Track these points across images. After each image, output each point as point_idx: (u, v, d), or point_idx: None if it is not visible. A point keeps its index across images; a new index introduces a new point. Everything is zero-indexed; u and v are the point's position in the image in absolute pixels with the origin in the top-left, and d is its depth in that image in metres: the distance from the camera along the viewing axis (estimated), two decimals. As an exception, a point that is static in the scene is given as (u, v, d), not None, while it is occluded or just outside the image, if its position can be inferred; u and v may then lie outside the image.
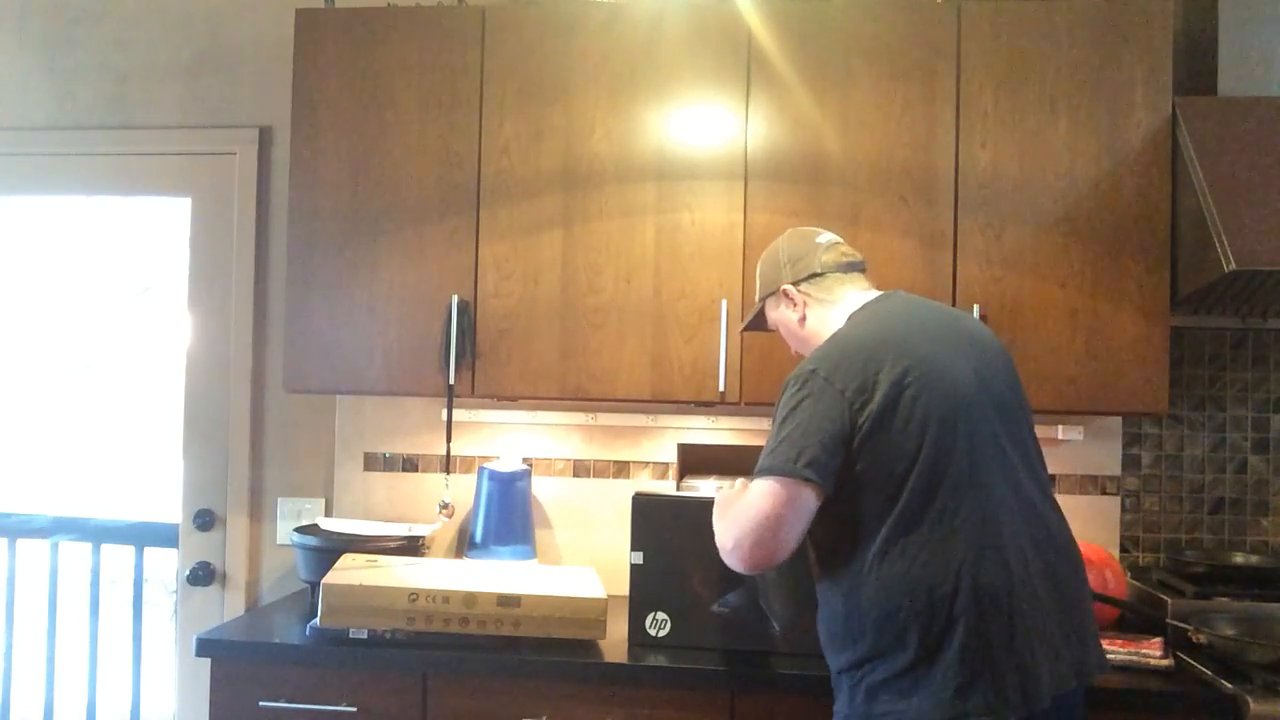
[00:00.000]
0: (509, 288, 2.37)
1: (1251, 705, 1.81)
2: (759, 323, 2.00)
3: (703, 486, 2.44)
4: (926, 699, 1.52)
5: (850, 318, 1.75)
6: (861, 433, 1.56)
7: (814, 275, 1.83)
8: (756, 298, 1.97)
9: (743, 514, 1.60)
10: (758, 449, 2.67)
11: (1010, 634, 1.52)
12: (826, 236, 1.89)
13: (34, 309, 3.00)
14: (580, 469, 2.73)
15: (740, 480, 1.99)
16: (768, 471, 1.58)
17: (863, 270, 1.86)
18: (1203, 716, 1.88)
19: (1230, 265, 2.03)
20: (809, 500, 1.56)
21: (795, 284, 1.85)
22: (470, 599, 2.02)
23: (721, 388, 2.30)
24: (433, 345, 2.37)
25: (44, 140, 2.91)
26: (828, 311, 1.81)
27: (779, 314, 1.91)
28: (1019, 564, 1.55)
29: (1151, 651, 2.00)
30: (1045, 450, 1.74)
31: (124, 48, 2.90)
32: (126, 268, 2.96)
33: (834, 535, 1.62)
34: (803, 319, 1.85)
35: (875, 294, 1.81)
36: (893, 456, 1.56)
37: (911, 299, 1.80)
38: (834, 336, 1.71)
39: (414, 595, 2.02)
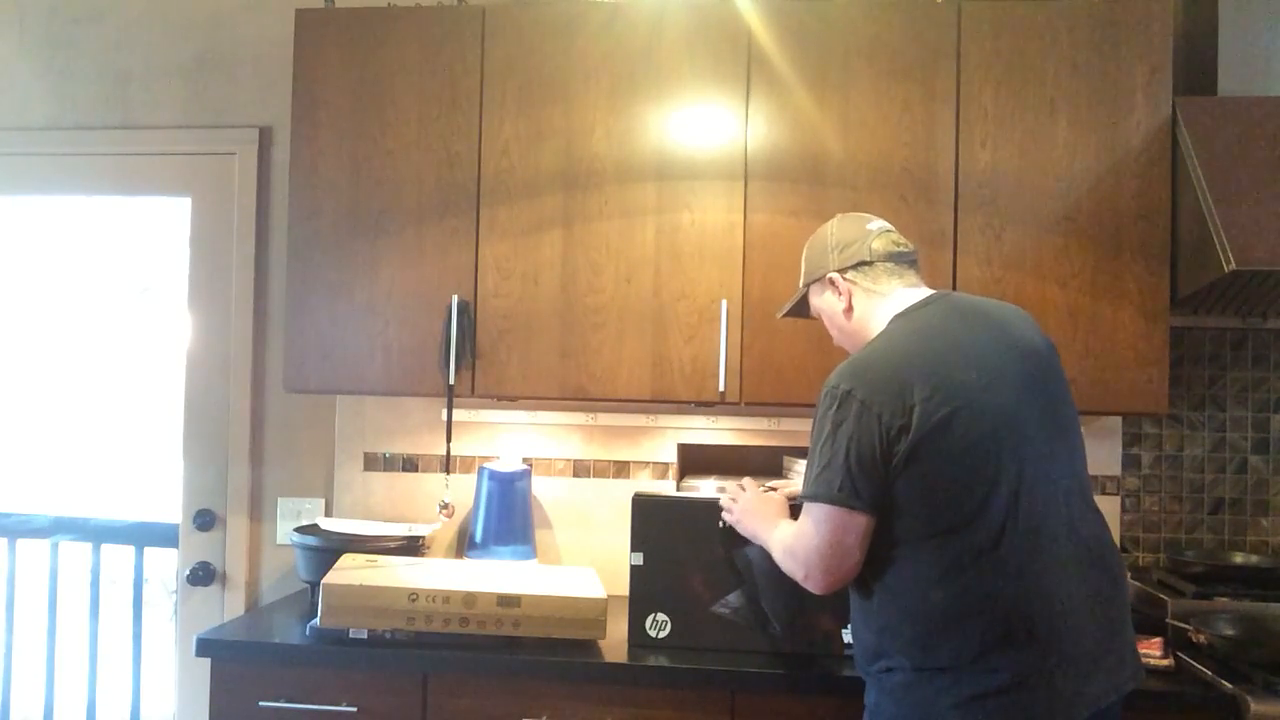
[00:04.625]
0: (509, 288, 2.37)
1: (1251, 705, 1.81)
2: (800, 309, 1.95)
3: (703, 486, 2.44)
4: (948, 697, 1.52)
5: (893, 319, 1.70)
6: (898, 458, 1.53)
7: (862, 263, 1.76)
8: (800, 282, 1.91)
9: (804, 546, 1.61)
10: (758, 449, 2.67)
11: (1050, 664, 1.50)
12: (878, 223, 1.81)
13: (34, 309, 3.00)
14: (580, 469, 2.73)
15: (748, 479, 2.01)
16: (815, 499, 1.58)
17: (913, 262, 1.79)
18: (1203, 716, 1.88)
19: (1230, 265, 2.03)
20: (862, 522, 1.57)
21: (842, 271, 1.78)
22: (470, 599, 2.02)
23: (721, 388, 2.29)
24: (433, 345, 2.37)
25: (44, 140, 2.91)
26: (874, 304, 1.75)
27: (823, 301, 1.84)
28: (1063, 597, 1.53)
29: (1151, 651, 1.99)
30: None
31: (124, 48, 2.90)
32: (126, 268, 2.96)
33: (869, 554, 1.61)
34: (849, 309, 1.78)
35: (923, 293, 1.74)
36: (930, 484, 1.54)
37: (958, 306, 1.72)
38: (871, 348, 1.66)
39: (414, 595, 2.02)
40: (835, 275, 1.79)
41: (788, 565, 1.69)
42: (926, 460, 1.53)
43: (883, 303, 1.75)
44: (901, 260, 1.77)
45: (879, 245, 1.77)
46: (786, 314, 2.01)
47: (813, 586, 1.64)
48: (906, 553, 1.56)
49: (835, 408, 1.58)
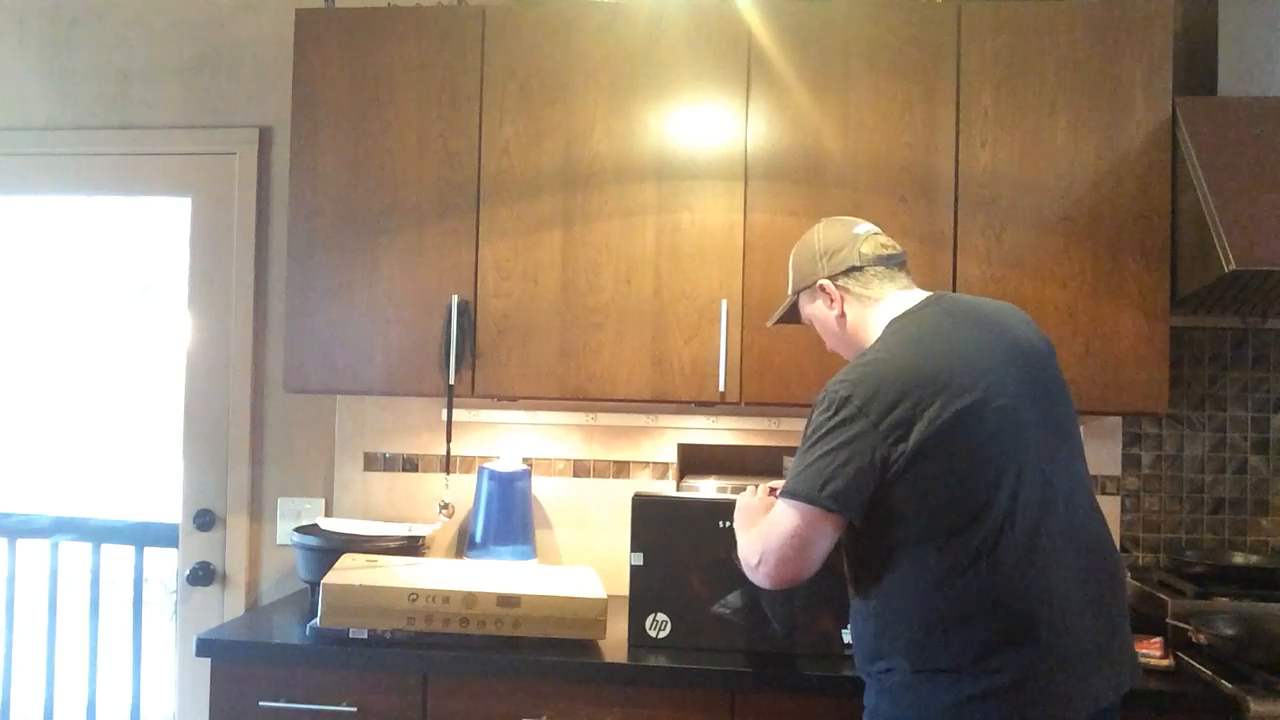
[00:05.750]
0: (509, 288, 2.37)
1: (1251, 705, 1.81)
2: (790, 316, 1.93)
3: (703, 486, 2.44)
4: (948, 697, 1.52)
5: (890, 324, 1.68)
6: (895, 468, 1.52)
7: (852, 269, 1.75)
8: (789, 290, 1.89)
9: (767, 533, 1.60)
10: (758, 449, 2.67)
11: (1049, 665, 1.50)
12: (865, 226, 1.79)
13: (34, 309, 3.00)
14: (580, 469, 2.73)
15: (762, 486, 1.97)
16: (793, 495, 1.56)
17: (903, 263, 1.77)
18: (1203, 716, 1.88)
19: (1230, 265, 2.03)
20: (831, 528, 1.56)
21: (832, 278, 1.77)
22: (470, 599, 2.02)
23: (721, 388, 2.30)
24: (433, 345, 2.37)
25: (44, 140, 2.91)
26: (868, 309, 1.74)
27: (814, 309, 1.83)
28: (1062, 597, 1.53)
29: (1151, 651, 2.00)
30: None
31: (124, 48, 2.90)
32: (126, 268, 2.96)
33: (867, 557, 1.60)
34: (841, 316, 1.76)
35: (917, 296, 1.73)
36: (931, 489, 1.53)
37: (956, 308, 1.69)
38: (872, 355, 1.64)
39: (414, 595, 2.02)
40: (826, 282, 1.78)
41: (743, 551, 1.66)
42: (927, 465, 1.53)
43: (877, 307, 1.73)
44: (891, 263, 1.76)
45: (868, 249, 1.76)
46: (777, 322, 1.99)
47: (760, 576, 1.62)
48: (906, 555, 1.56)
49: (833, 412, 1.57)
